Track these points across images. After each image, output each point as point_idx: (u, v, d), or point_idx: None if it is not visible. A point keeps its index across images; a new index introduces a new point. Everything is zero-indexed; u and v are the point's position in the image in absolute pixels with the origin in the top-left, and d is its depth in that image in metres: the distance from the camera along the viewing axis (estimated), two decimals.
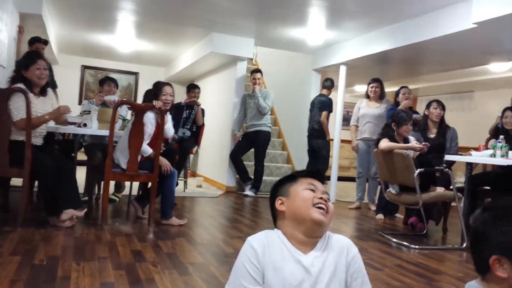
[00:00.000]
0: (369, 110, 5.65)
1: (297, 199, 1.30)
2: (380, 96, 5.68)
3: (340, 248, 1.30)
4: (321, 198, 1.29)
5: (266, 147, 6.41)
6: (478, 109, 8.75)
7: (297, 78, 7.66)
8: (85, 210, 3.62)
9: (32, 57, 3.64)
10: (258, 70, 6.42)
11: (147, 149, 3.81)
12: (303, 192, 1.30)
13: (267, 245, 1.26)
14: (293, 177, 1.38)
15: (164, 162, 3.87)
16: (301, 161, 7.09)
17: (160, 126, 3.84)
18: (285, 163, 7.46)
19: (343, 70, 6.38)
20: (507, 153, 4.03)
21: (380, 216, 5.12)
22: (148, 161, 3.83)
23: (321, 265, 1.25)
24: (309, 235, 1.28)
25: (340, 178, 6.81)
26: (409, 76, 7.67)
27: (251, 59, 8.03)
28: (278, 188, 1.39)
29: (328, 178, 6.26)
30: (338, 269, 1.26)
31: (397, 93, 5.41)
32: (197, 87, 6.08)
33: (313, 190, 1.30)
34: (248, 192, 6.28)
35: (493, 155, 4.11)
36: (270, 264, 1.23)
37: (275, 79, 7.76)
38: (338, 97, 6.43)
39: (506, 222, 1.01)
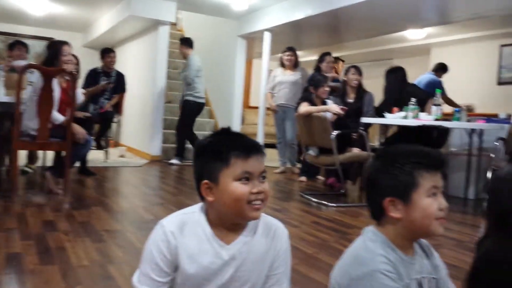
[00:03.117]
0: (284, 78, 5.75)
1: (228, 193, 1.07)
2: (295, 64, 5.77)
3: (270, 233, 1.17)
4: (256, 193, 1.07)
5: (190, 116, 6.23)
6: None
7: (223, 44, 7.55)
8: None
9: None
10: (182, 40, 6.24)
11: (57, 116, 3.60)
12: (236, 188, 1.07)
13: (183, 232, 1.11)
14: (225, 157, 1.08)
15: (78, 130, 3.69)
16: None
17: (68, 91, 3.64)
18: (213, 131, 7.42)
19: (267, 36, 6.38)
20: (418, 114, 4.28)
21: (303, 178, 5.27)
22: (61, 129, 3.63)
23: (245, 252, 1.13)
24: (237, 223, 1.14)
25: (269, 145, 6.89)
26: (333, 43, 7.83)
27: (175, 24, 7.79)
28: (204, 164, 1.12)
29: None
30: (264, 255, 1.15)
31: (319, 60, 5.51)
32: (112, 51, 5.74)
33: (248, 179, 1.07)
34: (173, 160, 6.19)
35: (406, 117, 4.34)
36: (185, 254, 1.10)
37: (201, 46, 7.59)
38: (263, 64, 6.45)
39: (396, 166, 1.06)
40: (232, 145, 1.09)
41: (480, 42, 7.59)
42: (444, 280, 1.15)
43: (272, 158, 7.10)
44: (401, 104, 4.40)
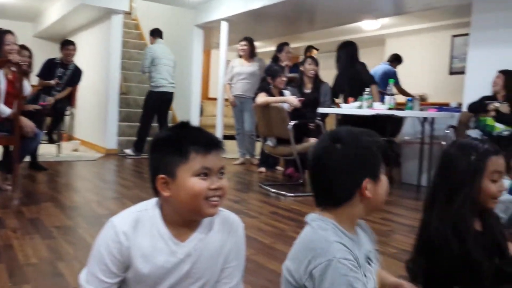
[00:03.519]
0: (242, 68, 5.71)
1: (185, 189, 1.04)
2: (251, 55, 5.72)
3: (225, 228, 1.15)
4: (215, 189, 1.05)
5: (149, 107, 6.09)
6: None
7: (179, 34, 7.42)
8: None
9: None
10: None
11: (3, 109, 3.43)
12: (194, 183, 1.03)
13: (136, 232, 1.06)
14: (184, 152, 1.04)
15: (26, 123, 3.54)
16: None
17: (14, 83, 3.48)
18: (171, 123, 7.30)
19: (224, 26, 6.31)
20: (372, 104, 4.36)
21: (262, 169, 5.28)
22: (8, 122, 3.46)
23: (200, 249, 1.10)
24: (193, 220, 1.11)
25: (228, 137, 6.85)
26: (290, 33, 7.85)
27: (129, 14, 7.59)
28: (161, 157, 1.07)
29: None
30: (219, 251, 1.12)
31: (278, 50, 5.50)
32: (71, 43, 5.55)
33: (206, 174, 1.05)
34: (127, 150, 6.06)
35: (361, 107, 4.42)
36: (139, 254, 1.06)
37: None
38: (220, 55, 6.38)
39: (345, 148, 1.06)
40: (192, 139, 1.06)
41: (433, 33, 7.81)
42: None
43: (231, 150, 7.08)
44: (353, 83, 4.61)
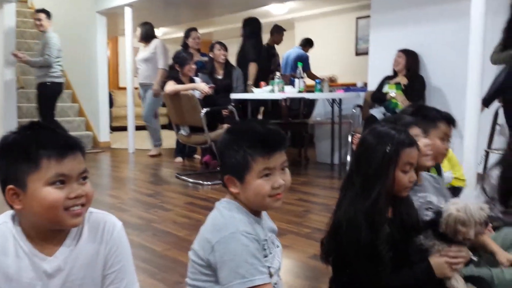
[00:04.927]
0: (139, 55, 5.52)
1: (38, 200, 0.91)
2: (145, 39, 5.47)
3: (97, 233, 1.03)
4: (75, 197, 0.93)
5: (50, 100, 5.66)
6: None
7: (81, 22, 6.96)
8: None
9: None
10: (38, 10, 5.57)
11: None
12: (47, 194, 0.91)
13: None
14: (33, 158, 0.91)
15: None
16: (95, 114, 6.63)
17: None
18: (78, 116, 6.87)
19: (128, 12, 6.02)
20: (283, 88, 4.40)
21: (178, 159, 5.15)
22: None
23: (72, 261, 0.99)
24: (57, 231, 0.98)
25: (141, 127, 6.59)
26: (200, 19, 7.69)
27: (25, 1, 7.00)
28: (9, 165, 0.93)
29: (125, 128, 6.02)
30: (94, 258, 1.02)
31: (185, 35, 5.35)
32: None
33: (63, 182, 0.92)
34: None
35: (272, 91, 4.45)
36: (1, 275, 0.93)
37: (56, 24, 6.92)
38: (126, 42, 6.10)
39: (233, 147, 1.07)
40: (42, 143, 0.92)
41: (339, 15, 8.06)
42: None
43: (146, 141, 6.85)
44: (239, 59, 5.04)
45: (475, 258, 1.38)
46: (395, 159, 1.26)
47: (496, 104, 3.31)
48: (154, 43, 5.41)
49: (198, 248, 1.08)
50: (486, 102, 3.21)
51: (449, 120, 1.66)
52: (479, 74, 2.95)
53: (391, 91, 3.90)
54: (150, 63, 5.34)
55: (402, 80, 3.90)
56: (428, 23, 4.06)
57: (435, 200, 1.54)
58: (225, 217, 1.07)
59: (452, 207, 1.29)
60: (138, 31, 5.46)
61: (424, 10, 4.07)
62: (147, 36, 5.44)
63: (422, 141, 1.46)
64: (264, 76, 4.94)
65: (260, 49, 5.19)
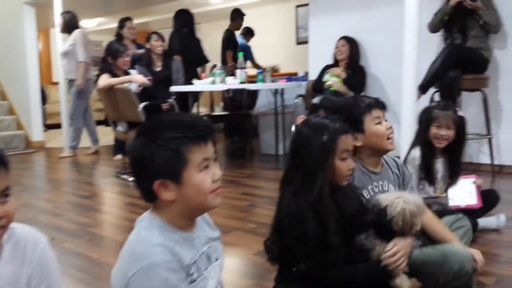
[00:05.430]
0: (60, 48, 5.24)
1: None
2: (66, 29, 5.17)
3: (18, 252, 0.95)
4: None
5: None
6: (205, 40, 9.20)
7: (6, 14, 6.50)
8: None
9: None
10: None
11: None
12: None
13: None
14: None
15: None
16: (26, 111, 6.22)
17: None
18: (8, 114, 6.43)
19: (57, 2, 5.65)
20: (224, 79, 4.31)
21: (118, 156, 4.91)
22: None
23: None
24: None
25: None
26: (136, 7, 7.40)
27: None
28: None
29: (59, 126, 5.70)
30: (16, 278, 0.94)
31: (120, 26, 5.10)
32: None
33: None
34: None
35: (214, 82, 4.34)
36: None
37: None
38: (56, 34, 5.73)
39: (160, 144, 0.93)
40: None
41: (278, 4, 8.03)
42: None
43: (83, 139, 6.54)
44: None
45: (419, 242, 1.38)
46: (332, 148, 1.25)
47: (432, 90, 3.39)
48: (74, 34, 5.06)
49: (116, 280, 0.94)
50: (423, 88, 3.27)
51: (373, 106, 1.56)
52: (414, 60, 2.98)
53: (331, 79, 3.90)
54: (72, 56, 5.02)
55: (341, 74, 3.89)
56: (366, 10, 4.09)
57: (392, 189, 1.54)
58: (142, 243, 0.94)
59: (397, 201, 1.26)
60: (60, 20, 5.12)
61: None
62: (70, 26, 5.09)
63: (384, 124, 1.51)
64: (195, 68, 4.92)
65: (189, 40, 5.04)
